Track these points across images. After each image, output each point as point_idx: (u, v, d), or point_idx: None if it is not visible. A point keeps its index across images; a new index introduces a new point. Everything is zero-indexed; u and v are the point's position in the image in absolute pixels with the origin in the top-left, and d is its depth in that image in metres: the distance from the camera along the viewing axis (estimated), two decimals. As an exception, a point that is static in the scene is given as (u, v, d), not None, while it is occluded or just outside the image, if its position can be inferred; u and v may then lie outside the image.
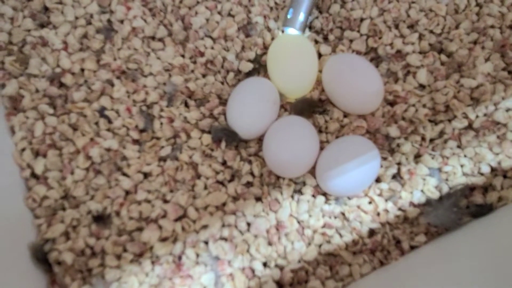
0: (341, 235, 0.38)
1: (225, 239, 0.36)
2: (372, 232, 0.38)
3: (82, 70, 0.41)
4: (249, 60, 0.44)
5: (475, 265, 0.34)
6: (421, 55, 0.43)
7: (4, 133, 0.38)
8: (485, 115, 0.40)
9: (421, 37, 0.44)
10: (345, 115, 0.42)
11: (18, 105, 0.39)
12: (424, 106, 0.42)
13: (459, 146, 0.40)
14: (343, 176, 0.37)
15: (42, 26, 0.42)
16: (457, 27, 0.44)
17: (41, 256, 0.34)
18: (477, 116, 0.40)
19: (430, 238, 0.38)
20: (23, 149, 0.38)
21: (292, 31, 0.43)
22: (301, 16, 0.42)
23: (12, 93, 0.39)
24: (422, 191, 0.39)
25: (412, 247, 0.38)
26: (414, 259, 0.37)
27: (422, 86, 0.43)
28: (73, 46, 0.42)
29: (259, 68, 0.45)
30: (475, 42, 0.44)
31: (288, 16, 0.42)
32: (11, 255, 0.32)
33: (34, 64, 0.40)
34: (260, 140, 0.42)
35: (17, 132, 0.38)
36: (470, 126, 0.40)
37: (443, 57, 0.43)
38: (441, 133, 0.41)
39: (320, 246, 0.38)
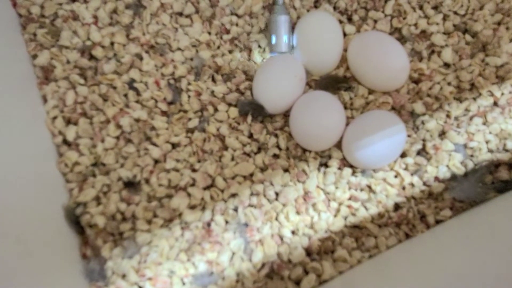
0: (366, 208, 0.38)
1: (254, 206, 0.36)
2: (397, 206, 0.39)
3: (112, 43, 0.42)
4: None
5: (500, 239, 0.34)
6: (446, 35, 0.44)
7: (37, 101, 0.39)
8: (510, 92, 0.41)
9: (445, 17, 0.45)
10: (370, 92, 0.43)
11: (49, 75, 0.40)
12: (449, 84, 0.42)
13: (484, 123, 0.40)
14: (370, 148, 0.37)
15: (73, 0, 0.43)
16: (481, 8, 0.45)
17: (74, 219, 0.34)
18: (502, 94, 0.41)
19: (455, 213, 0.39)
20: (55, 117, 0.38)
21: (280, 53, 0.44)
22: (285, 39, 0.43)
23: (44, 63, 0.40)
24: (447, 166, 0.39)
25: (438, 222, 0.38)
26: (440, 232, 0.38)
27: (447, 65, 0.43)
28: (103, 20, 0.43)
29: (284, 47, 0.45)
30: (499, 23, 0.44)
31: (273, 42, 0.43)
32: (46, 215, 0.32)
33: (66, 36, 0.41)
34: (285, 115, 0.42)
35: (49, 101, 0.39)
36: (495, 103, 0.41)
37: (468, 37, 0.44)
38: (466, 111, 0.41)
39: (346, 218, 0.38)
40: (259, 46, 0.44)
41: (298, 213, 0.37)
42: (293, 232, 0.36)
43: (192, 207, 0.36)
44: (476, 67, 0.42)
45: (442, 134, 0.41)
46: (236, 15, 0.45)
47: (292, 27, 0.44)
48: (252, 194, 0.37)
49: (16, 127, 0.34)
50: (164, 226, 0.35)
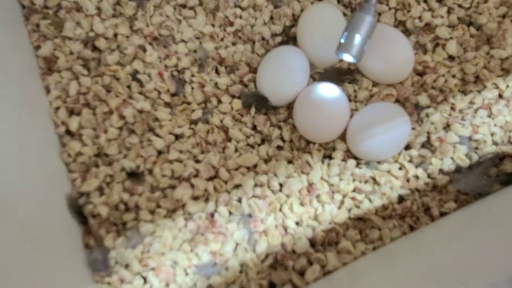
0: (370, 200, 0.38)
1: (258, 197, 0.36)
2: (401, 198, 0.38)
3: (115, 35, 0.42)
4: (277, 34, 0.44)
5: (505, 232, 0.34)
6: (450, 28, 0.44)
7: (40, 92, 0.38)
8: (515, 85, 0.40)
9: (449, 10, 0.44)
10: (374, 84, 0.42)
11: (52, 65, 0.40)
12: (453, 76, 0.42)
13: (489, 116, 0.40)
14: (374, 140, 0.37)
15: (76, -9, 0.43)
16: (485, 1, 0.44)
17: (76, 208, 0.34)
18: (507, 86, 0.41)
19: (460, 205, 0.38)
20: (58, 108, 0.38)
21: (347, 57, 0.37)
22: (357, 39, 0.35)
23: (47, 54, 0.40)
24: (452, 158, 0.39)
25: (442, 214, 0.38)
26: (444, 224, 0.37)
27: (451, 58, 0.43)
28: (106, 12, 0.42)
29: (288, 40, 0.45)
30: (504, 16, 0.44)
31: (342, 41, 0.36)
32: (50, 204, 0.32)
33: (69, 27, 0.41)
34: (289, 108, 0.42)
35: (52, 91, 0.39)
36: (500, 96, 0.41)
37: (472, 30, 0.43)
38: (471, 103, 0.41)
39: (350, 210, 0.38)
40: (263, 39, 0.44)
41: (302, 204, 0.37)
42: (297, 223, 0.36)
43: (195, 198, 0.36)
44: (481, 59, 0.41)
45: (447, 127, 0.40)
46: (240, 7, 0.45)
47: (294, 37, 0.44)
48: (256, 185, 0.37)
49: (19, 116, 0.34)
50: (167, 216, 0.35)
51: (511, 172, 0.38)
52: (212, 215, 0.36)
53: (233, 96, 0.41)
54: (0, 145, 0.30)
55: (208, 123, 0.40)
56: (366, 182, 0.38)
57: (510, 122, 0.39)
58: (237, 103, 0.41)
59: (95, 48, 0.41)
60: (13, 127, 0.32)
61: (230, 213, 0.36)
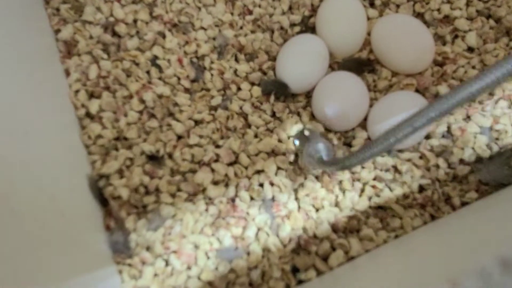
0: (391, 189, 0.38)
1: (280, 181, 0.36)
2: (421, 188, 0.38)
3: (135, 21, 0.42)
4: (296, 24, 0.44)
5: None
6: (469, 20, 0.44)
7: (60, 75, 0.38)
8: (536, 76, 0.40)
9: (468, 3, 0.45)
10: (394, 74, 0.42)
11: (72, 49, 0.40)
12: (473, 67, 0.42)
13: (509, 107, 0.40)
14: (396, 128, 0.37)
15: (96, -23, 0.43)
16: (504, -6, 0.45)
17: (97, 190, 0.34)
18: (528, 77, 0.40)
19: (481, 196, 0.38)
20: (78, 91, 0.38)
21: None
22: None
23: (67, 37, 0.40)
24: (473, 148, 0.39)
25: (463, 204, 0.38)
26: (466, 214, 0.37)
27: (471, 49, 0.43)
28: (126, -2, 0.42)
29: (306, 30, 0.45)
30: (523, 9, 0.44)
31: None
32: (73, 182, 0.32)
33: (89, 11, 0.41)
34: (307, 96, 0.42)
35: (72, 74, 0.38)
36: (521, 87, 0.41)
37: (491, 22, 0.43)
38: (491, 94, 0.41)
39: (370, 198, 0.37)
40: (281, 28, 0.44)
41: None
42: (317, 210, 0.36)
43: (215, 183, 0.36)
44: (501, 51, 0.41)
45: (467, 117, 0.40)
46: (259, -4, 0.45)
47: (312, 27, 0.44)
48: (278, 168, 0.36)
49: (42, 96, 0.34)
50: (188, 200, 0.35)
51: (532, 163, 0.38)
52: (233, 200, 0.35)
53: (252, 84, 0.41)
54: (26, 123, 0.30)
55: (227, 109, 0.39)
56: (387, 170, 0.38)
57: (531, 113, 0.39)
58: (257, 91, 0.41)
59: (114, 33, 0.41)
60: (36, 106, 0.32)
61: (252, 198, 0.35)
